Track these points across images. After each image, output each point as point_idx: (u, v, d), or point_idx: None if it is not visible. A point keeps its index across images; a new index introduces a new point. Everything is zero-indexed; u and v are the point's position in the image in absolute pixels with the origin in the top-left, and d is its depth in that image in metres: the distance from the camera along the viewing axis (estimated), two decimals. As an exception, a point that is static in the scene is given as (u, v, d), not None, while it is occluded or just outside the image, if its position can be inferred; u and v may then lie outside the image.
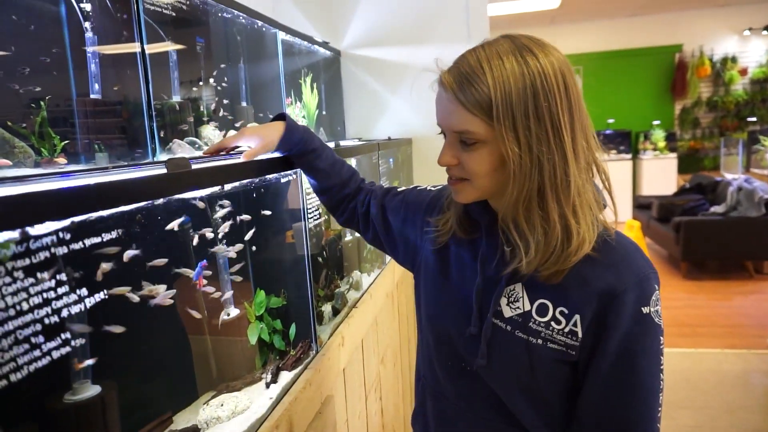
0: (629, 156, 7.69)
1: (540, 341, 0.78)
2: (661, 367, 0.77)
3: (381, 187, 1.12)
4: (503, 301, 0.80)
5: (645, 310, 0.75)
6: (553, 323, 0.77)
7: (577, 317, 0.76)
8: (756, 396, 2.93)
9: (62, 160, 0.89)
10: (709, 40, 7.50)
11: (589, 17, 7.46)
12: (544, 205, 0.74)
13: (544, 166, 0.72)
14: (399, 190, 1.08)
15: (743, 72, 7.43)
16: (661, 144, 7.54)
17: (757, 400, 2.90)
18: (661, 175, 7.41)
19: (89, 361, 0.64)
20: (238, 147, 1.03)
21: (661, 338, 0.77)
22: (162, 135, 1.12)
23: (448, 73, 0.78)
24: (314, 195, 1.20)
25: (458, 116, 0.75)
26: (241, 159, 0.97)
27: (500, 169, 0.76)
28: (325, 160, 1.07)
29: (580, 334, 0.76)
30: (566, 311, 0.76)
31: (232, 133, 1.41)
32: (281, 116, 1.05)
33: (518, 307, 0.79)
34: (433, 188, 1.04)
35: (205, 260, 0.97)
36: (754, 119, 7.34)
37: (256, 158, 0.99)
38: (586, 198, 0.75)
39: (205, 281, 0.98)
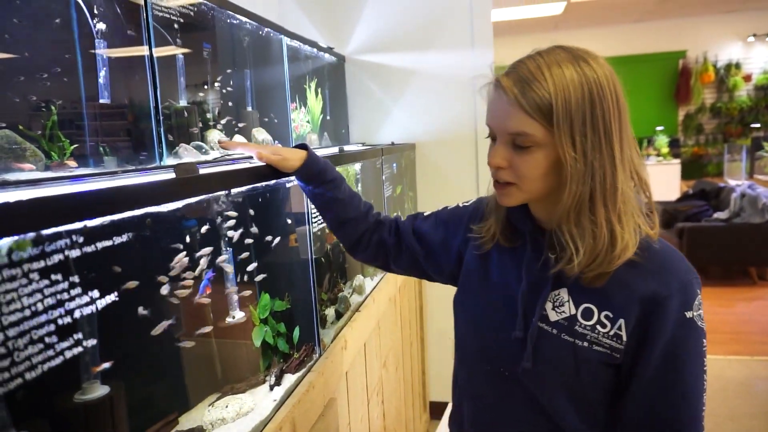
0: (633, 161, 7.67)
1: (586, 344, 0.80)
2: (705, 369, 0.80)
3: (399, 217, 1.12)
4: (548, 305, 0.83)
5: (689, 314, 0.78)
6: (598, 326, 0.80)
7: (621, 321, 0.79)
8: (759, 403, 2.92)
9: (72, 163, 0.91)
10: (713, 46, 7.50)
11: (592, 23, 7.47)
12: (594, 210, 0.77)
13: (596, 172, 0.75)
14: (426, 214, 1.09)
15: (747, 78, 7.43)
16: (665, 150, 7.53)
17: (761, 407, 2.89)
18: (665, 181, 7.40)
19: (106, 365, 0.65)
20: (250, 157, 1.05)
21: (704, 341, 0.80)
22: (170, 139, 1.13)
23: (506, 77, 0.79)
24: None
25: (517, 119, 0.77)
26: (254, 155, 1.01)
27: (551, 173, 0.78)
28: (344, 192, 1.06)
29: (624, 338, 0.79)
30: (611, 315, 0.79)
31: (238, 137, 1.42)
32: (302, 146, 1.05)
33: (563, 311, 0.82)
34: (465, 204, 1.06)
35: (212, 271, 0.97)
36: (758, 125, 7.33)
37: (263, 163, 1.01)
38: (630, 205, 0.79)
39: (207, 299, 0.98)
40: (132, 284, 0.70)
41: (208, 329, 0.97)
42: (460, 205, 1.07)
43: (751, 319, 4.05)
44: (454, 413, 1.03)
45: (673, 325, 0.77)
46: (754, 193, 4.82)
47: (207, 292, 0.97)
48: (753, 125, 7.37)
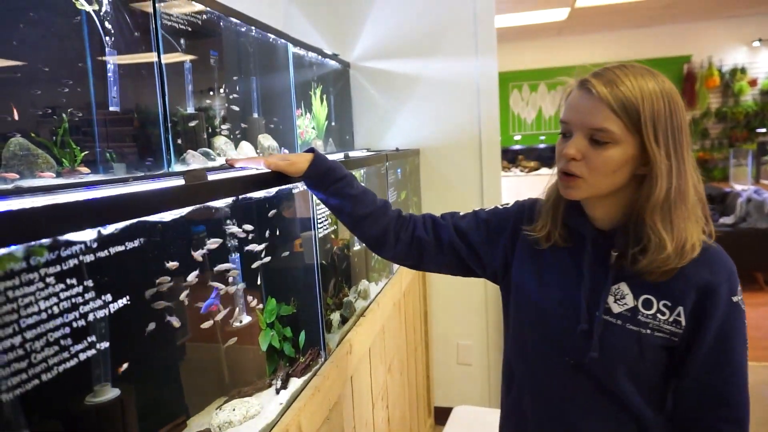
0: (637, 166, 7.65)
1: (649, 331, 0.90)
2: (747, 346, 0.91)
3: (432, 215, 1.14)
4: (610, 299, 0.92)
5: (735, 299, 0.88)
6: (658, 315, 0.89)
7: (680, 308, 0.88)
8: (766, 409, 2.91)
9: (85, 169, 0.92)
10: (717, 50, 7.49)
11: (596, 29, 7.48)
12: (676, 208, 0.86)
13: (674, 175, 0.85)
14: (462, 213, 1.13)
15: (753, 83, 7.39)
16: (670, 155, 7.51)
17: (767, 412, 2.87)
18: (670, 186, 7.36)
19: (124, 365, 0.66)
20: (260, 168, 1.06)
21: (745, 321, 0.90)
22: (179, 144, 1.15)
23: (594, 77, 0.86)
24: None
25: (602, 115, 0.84)
26: (262, 166, 1.03)
27: (619, 171, 0.86)
28: (357, 188, 1.07)
29: (683, 323, 0.88)
30: (669, 304, 0.89)
31: (244, 143, 1.44)
32: (310, 150, 1.08)
33: (625, 303, 0.91)
34: (505, 206, 1.11)
35: (217, 290, 0.97)
36: (764, 130, 7.30)
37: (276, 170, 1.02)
38: (696, 210, 0.89)
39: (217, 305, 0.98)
40: (173, 264, 0.71)
41: (247, 320, 1.02)
42: (499, 207, 1.11)
43: (757, 325, 4.02)
44: (509, 412, 1.08)
45: (724, 309, 0.87)
46: (761, 198, 4.80)
47: (213, 310, 0.97)
48: (759, 130, 7.34)
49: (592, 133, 0.85)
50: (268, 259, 1.14)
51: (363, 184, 1.09)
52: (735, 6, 6.66)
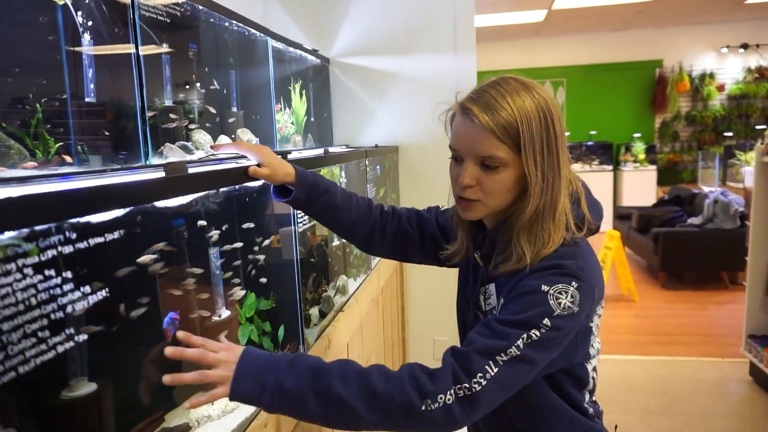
0: (610, 167, 7.84)
1: None
2: (529, 334, 0.80)
3: (415, 209, 1.19)
4: (481, 298, 1.00)
5: (545, 288, 0.83)
6: None
7: None
8: (731, 403, 3.01)
9: (68, 159, 0.91)
10: (688, 56, 7.70)
11: (573, 31, 7.61)
12: (544, 221, 0.87)
13: (549, 188, 0.87)
14: (443, 207, 1.18)
15: (721, 88, 7.63)
16: (642, 156, 7.70)
17: (732, 407, 2.97)
18: (641, 187, 7.56)
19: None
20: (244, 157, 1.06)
21: (546, 318, 0.81)
22: (157, 138, 1.14)
23: (473, 104, 0.87)
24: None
25: (489, 143, 0.86)
26: (249, 154, 1.03)
27: (512, 190, 0.89)
28: (342, 196, 1.09)
29: None
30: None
31: (222, 137, 1.43)
32: (287, 159, 1.08)
33: (491, 303, 0.98)
34: None
35: (176, 313, 0.95)
36: (731, 134, 7.54)
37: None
38: (564, 216, 0.89)
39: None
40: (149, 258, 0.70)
41: (226, 314, 1.04)
42: None
43: (722, 322, 4.16)
44: None
45: (526, 281, 0.85)
46: (726, 199, 4.96)
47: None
48: (726, 134, 7.58)
49: (482, 159, 0.87)
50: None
51: (343, 180, 1.10)
52: (704, 13, 6.86)
